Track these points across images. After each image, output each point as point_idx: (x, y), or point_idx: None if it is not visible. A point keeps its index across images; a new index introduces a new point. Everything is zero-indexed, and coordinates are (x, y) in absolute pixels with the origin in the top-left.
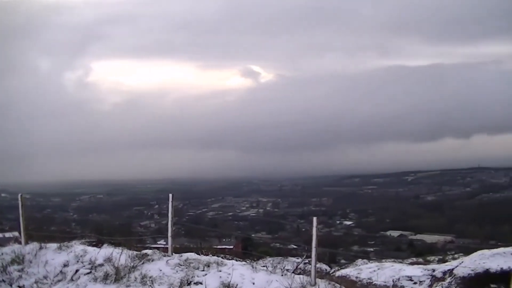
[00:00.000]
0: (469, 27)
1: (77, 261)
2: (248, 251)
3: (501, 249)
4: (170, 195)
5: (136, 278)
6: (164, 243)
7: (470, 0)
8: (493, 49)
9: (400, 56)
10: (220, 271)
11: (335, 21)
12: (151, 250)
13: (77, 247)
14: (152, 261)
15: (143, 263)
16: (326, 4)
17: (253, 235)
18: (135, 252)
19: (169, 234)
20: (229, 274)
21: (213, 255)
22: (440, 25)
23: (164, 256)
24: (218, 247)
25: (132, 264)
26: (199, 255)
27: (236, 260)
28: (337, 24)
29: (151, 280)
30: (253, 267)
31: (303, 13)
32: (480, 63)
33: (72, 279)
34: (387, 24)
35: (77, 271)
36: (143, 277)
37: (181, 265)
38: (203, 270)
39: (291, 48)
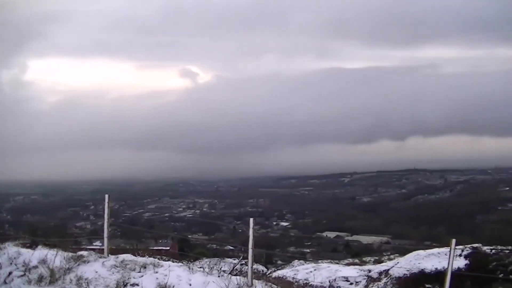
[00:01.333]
0: (406, 30)
1: (11, 263)
2: (185, 252)
3: (435, 250)
4: (106, 196)
5: (71, 280)
6: (100, 244)
7: (407, 4)
8: (429, 53)
9: (338, 59)
10: (157, 272)
11: (273, 23)
12: (86, 252)
13: (11, 249)
14: (88, 262)
15: (78, 265)
16: (265, 6)
17: (189, 236)
18: (70, 254)
19: (105, 235)
20: (166, 275)
21: (149, 257)
22: (377, 28)
23: (100, 257)
24: (155, 248)
25: (67, 266)
26: (136, 256)
27: (173, 262)
28: (275, 26)
29: (87, 282)
30: (189, 268)
31: (241, 15)
32: (417, 66)
33: (5, 282)
34: (325, 27)
35: (10, 273)
36: (79, 279)
37: (117, 267)
38: (139, 272)
39: (229, 49)
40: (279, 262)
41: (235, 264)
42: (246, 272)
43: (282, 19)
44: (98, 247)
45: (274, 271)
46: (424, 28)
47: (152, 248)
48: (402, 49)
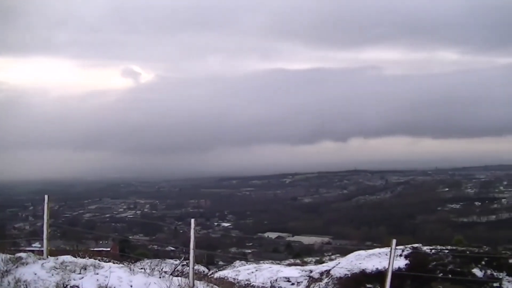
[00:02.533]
0: (350, 32)
1: None
2: (126, 254)
3: (376, 250)
4: (46, 196)
5: (9, 282)
6: (39, 246)
7: (351, 6)
8: (372, 55)
9: (281, 60)
10: (97, 274)
11: (218, 24)
12: (25, 253)
13: None
14: (27, 264)
15: (17, 267)
16: (210, 7)
17: (130, 237)
18: (8, 256)
19: (45, 236)
20: (107, 277)
21: (90, 258)
22: (321, 30)
23: (39, 259)
24: (95, 249)
25: (5, 268)
26: (76, 257)
27: (114, 263)
28: (220, 27)
29: (26, 284)
30: (130, 270)
31: (186, 16)
32: (360, 68)
33: None
34: (269, 28)
35: None
36: (17, 281)
37: (57, 268)
38: (79, 273)
39: (173, 49)
40: (221, 262)
41: (176, 265)
42: (188, 273)
43: (226, 20)
44: (37, 249)
45: (216, 272)
46: (367, 30)
47: (92, 249)
48: (346, 51)
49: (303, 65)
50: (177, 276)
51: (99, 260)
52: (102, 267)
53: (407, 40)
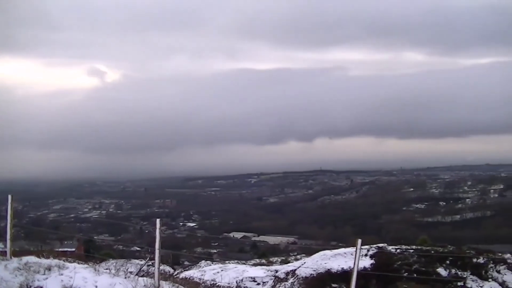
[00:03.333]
0: (317, 33)
1: None
2: (91, 254)
3: (342, 250)
4: (9, 196)
5: None
6: (3, 246)
7: (318, 7)
8: (339, 56)
9: (248, 60)
10: (62, 274)
11: (184, 23)
12: None
13: None
14: None
15: None
16: (177, 7)
17: (95, 237)
18: None
19: (8, 237)
20: (71, 277)
21: (54, 258)
22: (288, 31)
23: (2, 260)
24: (60, 250)
25: None
26: (40, 258)
27: (78, 263)
28: (186, 27)
29: None
30: (95, 270)
31: (153, 15)
32: (326, 68)
33: None
34: (236, 28)
35: None
36: None
37: (20, 269)
38: (44, 274)
39: (139, 48)
40: (186, 263)
41: (141, 265)
42: (153, 273)
43: (192, 20)
44: (0, 250)
45: (181, 272)
46: (333, 31)
47: (57, 249)
48: (312, 51)
49: (269, 65)
50: (142, 276)
51: (63, 260)
52: (67, 268)
53: (373, 41)
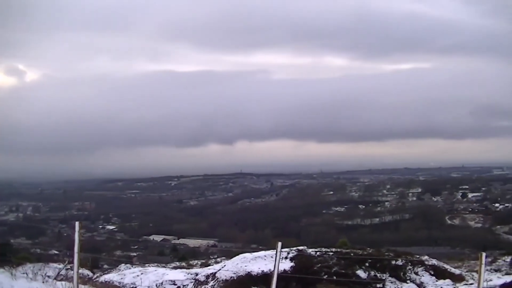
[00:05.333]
0: (241, 36)
1: None
2: (7, 258)
3: (262, 252)
4: None
5: None
6: None
7: (241, 10)
8: (261, 59)
9: (171, 62)
10: None
11: (107, 24)
12: None
13: None
14: None
15: None
16: (99, 7)
17: (12, 240)
18: None
19: None
20: None
21: None
22: (211, 33)
23: None
24: None
25: None
26: None
27: None
28: (109, 28)
29: None
30: (12, 275)
31: (72, 15)
32: (249, 71)
33: None
34: (159, 30)
35: None
36: None
37: None
38: None
39: (61, 48)
40: (106, 266)
41: (60, 269)
42: (72, 277)
43: (115, 21)
44: None
45: (101, 275)
46: (257, 34)
47: None
48: (236, 54)
49: (192, 68)
50: (61, 280)
51: None
52: None
53: (296, 45)
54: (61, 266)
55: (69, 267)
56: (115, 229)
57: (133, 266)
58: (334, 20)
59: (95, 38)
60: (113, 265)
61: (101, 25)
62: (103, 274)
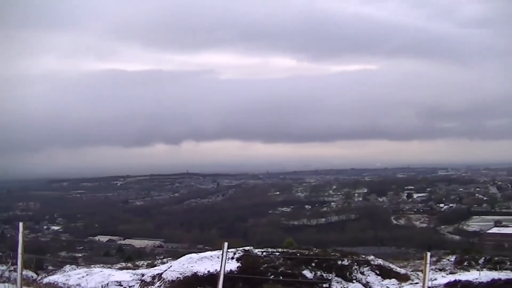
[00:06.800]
0: (189, 36)
1: None
2: None
3: (208, 253)
4: None
5: None
6: None
7: (189, 10)
8: (209, 59)
9: (119, 61)
10: None
11: (54, 22)
12: None
13: None
14: None
15: None
16: (44, 4)
17: None
18: None
19: None
20: None
21: None
22: (161, 33)
23: None
24: None
25: None
26: None
27: None
28: (56, 25)
29: None
30: None
31: (19, 12)
32: (197, 71)
33: None
34: (108, 29)
35: None
36: None
37: None
38: None
39: (6, 46)
40: (50, 267)
41: (3, 271)
42: (15, 279)
43: (63, 19)
44: None
45: (45, 277)
46: (206, 34)
47: None
48: (184, 54)
49: (140, 67)
50: (4, 282)
51: None
52: None
53: (244, 45)
54: (4, 267)
55: (12, 268)
56: (60, 230)
57: (78, 267)
58: (282, 21)
59: (41, 35)
60: (58, 267)
61: (48, 22)
62: (48, 275)
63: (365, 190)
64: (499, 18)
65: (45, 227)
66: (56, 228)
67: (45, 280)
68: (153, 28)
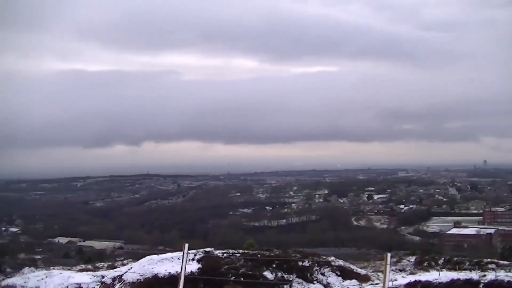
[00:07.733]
0: (151, 37)
1: None
2: None
3: (169, 254)
4: None
5: None
6: None
7: (151, 11)
8: (171, 60)
9: (80, 61)
10: None
11: (12, 21)
12: None
13: None
14: None
15: None
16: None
17: None
18: None
19: None
20: None
21: None
22: (121, 33)
23: None
24: None
25: None
26: None
27: None
28: (14, 25)
29: None
30: None
31: None
32: (159, 72)
33: None
34: (67, 28)
35: None
36: None
37: None
38: None
39: None
40: (8, 270)
41: None
42: None
43: (21, 18)
44: None
45: (3, 279)
46: (168, 35)
47: None
48: (146, 54)
49: (101, 67)
50: None
51: None
52: None
53: (206, 46)
54: None
55: None
56: (19, 232)
57: (37, 269)
58: (245, 22)
59: (0, 35)
60: (17, 269)
61: (8, 22)
62: (6, 278)
63: (326, 191)
64: (460, 22)
65: (3, 228)
66: (14, 229)
67: (3, 283)
68: (114, 28)
